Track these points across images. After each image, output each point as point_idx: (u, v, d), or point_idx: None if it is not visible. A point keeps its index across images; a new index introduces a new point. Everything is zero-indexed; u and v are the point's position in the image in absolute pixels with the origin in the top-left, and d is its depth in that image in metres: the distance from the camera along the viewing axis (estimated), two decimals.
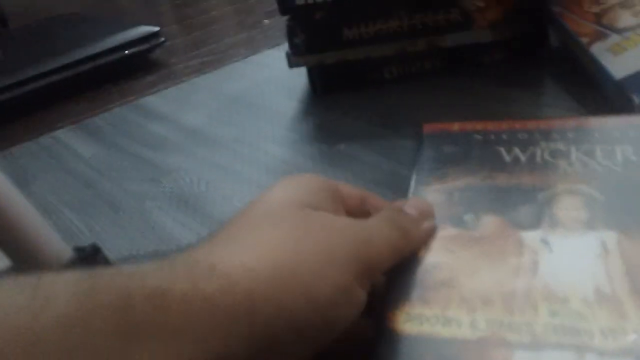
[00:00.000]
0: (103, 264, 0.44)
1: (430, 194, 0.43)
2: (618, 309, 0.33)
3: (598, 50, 0.72)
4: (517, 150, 0.46)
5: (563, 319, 0.33)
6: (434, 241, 0.39)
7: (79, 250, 0.45)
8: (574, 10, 0.78)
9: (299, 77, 0.94)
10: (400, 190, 0.47)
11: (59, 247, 0.46)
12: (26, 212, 0.51)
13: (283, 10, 0.84)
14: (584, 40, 0.74)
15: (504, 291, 0.35)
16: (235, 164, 0.78)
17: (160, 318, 0.28)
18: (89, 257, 0.44)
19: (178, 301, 0.28)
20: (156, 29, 1.21)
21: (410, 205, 0.41)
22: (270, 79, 1.01)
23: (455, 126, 0.50)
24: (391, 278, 0.37)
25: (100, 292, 0.28)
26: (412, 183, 0.45)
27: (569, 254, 0.37)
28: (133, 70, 1.19)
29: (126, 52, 1.17)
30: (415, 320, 0.34)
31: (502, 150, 0.47)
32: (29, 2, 1.89)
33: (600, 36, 0.74)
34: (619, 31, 0.73)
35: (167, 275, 0.30)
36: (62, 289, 0.28)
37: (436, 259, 0.38)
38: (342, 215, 0.39)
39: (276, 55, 1.08)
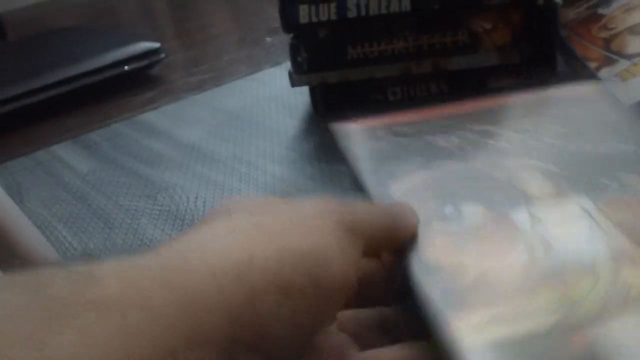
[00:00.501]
0: None
1: (396, 194, 0.41)
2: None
3: (606, 75, 0.71)
4: (451, 137, 0.45)
5: (607, 285, 0.32)
6: (434, 241, 0.37)
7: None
8: (582, 35, 0.77)
9: (301, 96, 0.93)
10: None
11: (51, 256, 0.45)
12: (18, 222, 0.49)
13: (286, 28, 0.83)
14: (593, 65, 0.74)
15: (537, 272, 0.33)
16: (232, 181, 0.76)
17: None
18: None
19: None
20: (157, 45, 1.20)
21: (394, 204, 0.38)
22: (271, 97, 0.99)
23: (372, 122, 0.49)
24: (420, 295, 0.34)
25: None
26: (368, 186, 0.42)
27: (563, 223, 0.36)
28: (132, 85, 1.17)
29: (126, 67, 1.15)
30: (483, 328, 0.31)
31: (437, 139, 0.45)
32: (29, 15, 1.88)
33: (608, 62, 0.73)
34: (627, 57, 0.72)
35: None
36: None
37: (450, 260, 0.36)
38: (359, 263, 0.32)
39: (278, 74, 1.07)
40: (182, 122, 0.97)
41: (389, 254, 0.36)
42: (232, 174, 0.78)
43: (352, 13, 0.80)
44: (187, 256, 0.27)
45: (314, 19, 0.80)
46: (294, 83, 0.85)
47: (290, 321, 0.27)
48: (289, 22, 0.82)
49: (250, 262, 0.27)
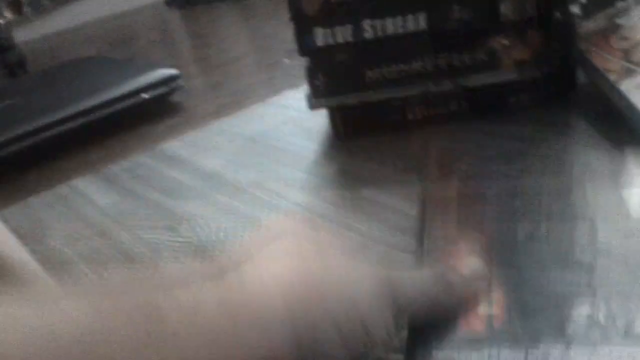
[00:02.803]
0: None
1: None
2: None
3: (627, 87, 0.70)
4: None
5: None
6: None
7: None
8: (601, 47, 0.76)
9: (321, 119, 0.92)
10: None
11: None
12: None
13: (302, 52, 0.82)
14: (612, 77, 0.72)
15: None
16: (254, 210, 0.75)
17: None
18: None
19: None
20: (176, 72, 1.20)
21: (465, 265, 0.42)
22: (290, 121, 0.98)
23: None
24: None
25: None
26: None
27: None
28: (152, 114, 1.17)
29: (145, 96, 1.15)
30: None
31: None
32: (48, 46, 1.90)
33: (628, 73, 0.71)
34: None
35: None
36: None
37: None
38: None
39: (297, 97, 1.06)
40: (202, 150, 0.96)
41: None
42: (253, 203, 0.77)
43: (368, 34, 0.79)
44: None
45: (331, 42, 0.80)
46: (312, 106, 0.85)
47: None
48: (305, 45, 0.81)
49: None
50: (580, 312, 0.38)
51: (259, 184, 0.81)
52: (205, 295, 0.31)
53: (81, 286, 0.31)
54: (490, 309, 0.40)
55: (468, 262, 0.42)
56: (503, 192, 0.52)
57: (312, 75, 0.82)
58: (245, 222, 0.73)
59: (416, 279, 0.39)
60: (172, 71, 1.19)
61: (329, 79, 0.81)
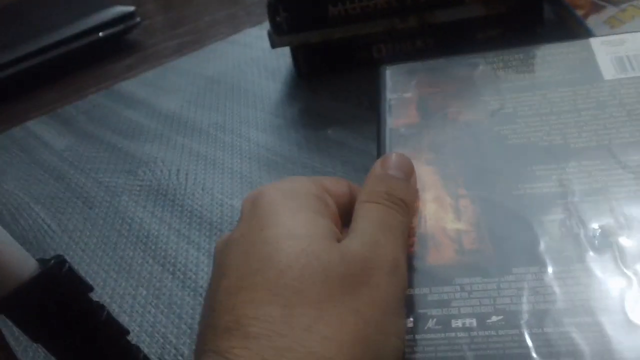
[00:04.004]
0: (68, 278, 0.40)
1: None
2: None
3: (594, 23, 0.69)
4: None
5: None
6: None
7: (43, 262, 0.40)
8: None
9: (284, 57, 0.90)
10: None
11: (23, 258, 0.42)
12: None
13: None
14: (580, 12, 0.71)
15: None
16: (216, 152, 0.73)
17: None
18: (54, 270, 0.40)
19: None
20: (131, 8, 1.15)
21: (395, 167, 0.40)
22: (252, 60, 0.96)
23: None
24: None
25: None
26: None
27: None
28: (108, 53, 1.13)
29: (100, 34, 1.11)
30: None
31: None
32: None
33: (596, 8, 0.70)
34: (615, 3, 0.70)
35: None
36: None
37: None
38: (337, 221, 0.38)
39: (259, 35, 1.03)
40: (161, 90, 0.93)
41: None
42: (215, 144, 0.75)
43: None
44: None
45: None
46: (274, 44, 0.82)
47: None
48: None
49: None
50: (553, 219, 0.37)
51: (220, 125, 0.79)
52: None
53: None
54: (458, 223, 0.39)
55: (394, 161, 0.41)
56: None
57: (273, 11, 0.79)
58: (206, 164, 0.71)
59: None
60: (129, 8, 1.15)
61: (291, 15, 0.79)
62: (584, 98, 0.45)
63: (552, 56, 0.50)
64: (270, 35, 0.81)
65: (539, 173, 0.41)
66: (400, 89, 0.51)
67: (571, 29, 0.72)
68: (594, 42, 0.51)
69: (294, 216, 0.35)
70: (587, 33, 0.68)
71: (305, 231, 0.34)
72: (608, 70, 0.47)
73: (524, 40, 0.77)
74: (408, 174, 0.41)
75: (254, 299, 0.31)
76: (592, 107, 0.44)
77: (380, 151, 0.47)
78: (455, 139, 0.45)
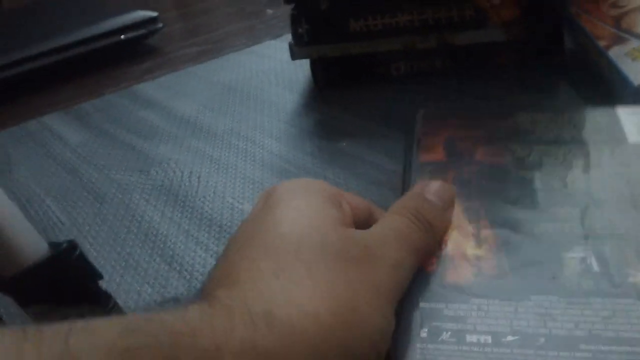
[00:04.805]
0: (79, 262, 0.40)
1: None
2: None
3: (616, 54, 0.69)
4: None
5: None
6: None
7: (54, 245, 0.41)
8: (591, 12, 0.74)
9: (302, 69, 0.90)
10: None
11: (35, 240, 0.42)
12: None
13: None
14: (602, 43, 0.71)
15: None
16: (229, 157, 0.74)
17: None
18: (65, 254, 0.40)
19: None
20: (154, 14, 1.17)
21: (433, 192, 0.40)
22: (270, 71, 0.96)
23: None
24: None
25: (143, 356, 0.25)
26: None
27: None
28: (128, 55, 1.14)
29: (122, 37, 1.12)
30: None
31: None
32: None
33: (618, 40, 0.70)
34: (638, 36, 0.70)
35: (219, 329, 0.27)
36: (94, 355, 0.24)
37: None
38: (351, 227, 0.37)
39: (278, 46, 1.04)
40: (178, 94, 0.94)
41: None
42: (228, 149, 0.75)
43: None
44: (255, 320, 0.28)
45: None
46: (294, 56, 0.83)
47: None
48: None
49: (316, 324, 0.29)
50: (573, 256, 0.37)
51: (235, 132, 0.79)
52: (225, 337, 0.27)
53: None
54: (478, 250, 0.39)
55: (434, 187, 0.40)
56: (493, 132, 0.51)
57: (295, 23, 0.80)
58: (219, 168, 0.72)
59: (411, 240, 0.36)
60: (151, 13, 1.16)
61: (313, 28, 0.79)
62: (608, 155, 0.46)
63: (579, 117, 0.51)
64: (291, 46, 0.82)
65: (562, 215, 0.41)
66: (430, 131, 0.53)
67: (592, 59, 0.73)
68: (621, 110, 0.52)
69: (305, 200, 0.36)
70: (609, 64, 0.68)
71: (314, 212, 0.35)
72: (632, 134, 0.48)
73: (544, 68, 0.77)
74: (447, 203, 0.40)
75: (249, 255, 0.32)
76: (615, 164, 0.45)
77: (405, 181, 0.48)
78: (480, 178, 0.45)
